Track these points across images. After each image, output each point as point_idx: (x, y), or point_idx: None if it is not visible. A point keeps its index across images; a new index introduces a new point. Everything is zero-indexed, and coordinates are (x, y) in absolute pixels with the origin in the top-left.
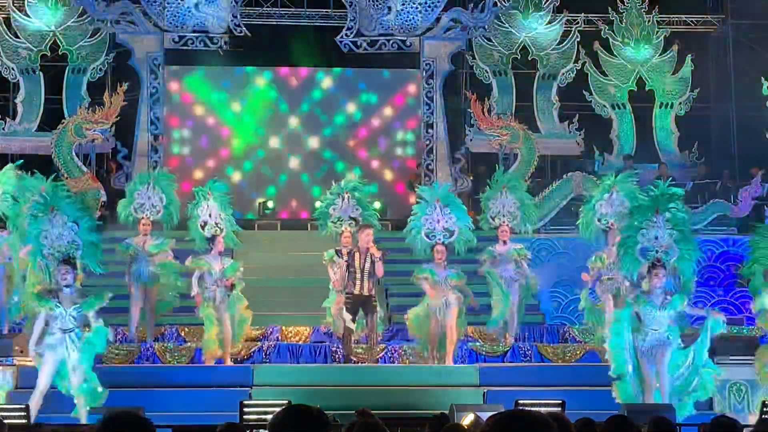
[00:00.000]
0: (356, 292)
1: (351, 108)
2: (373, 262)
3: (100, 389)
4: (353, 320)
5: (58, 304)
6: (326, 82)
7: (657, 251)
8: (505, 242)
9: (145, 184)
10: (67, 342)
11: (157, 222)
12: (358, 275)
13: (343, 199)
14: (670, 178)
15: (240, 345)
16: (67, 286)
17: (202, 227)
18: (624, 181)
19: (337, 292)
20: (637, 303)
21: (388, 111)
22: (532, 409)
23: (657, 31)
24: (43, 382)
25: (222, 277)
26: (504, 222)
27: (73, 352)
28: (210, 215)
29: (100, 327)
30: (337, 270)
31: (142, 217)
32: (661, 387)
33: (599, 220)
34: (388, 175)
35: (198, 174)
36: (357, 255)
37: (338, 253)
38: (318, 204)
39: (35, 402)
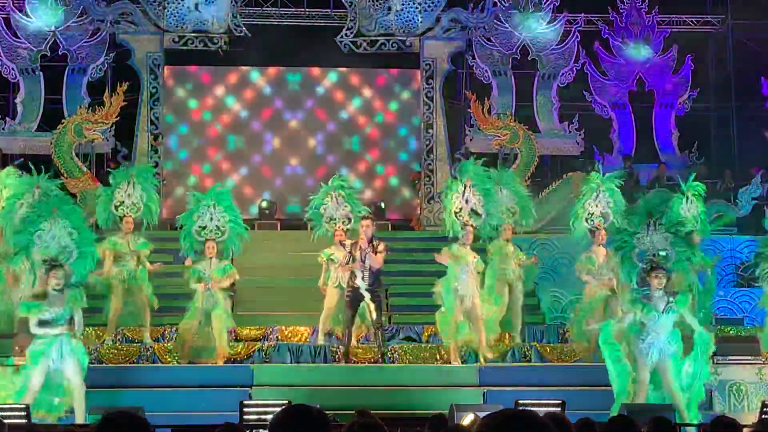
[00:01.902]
0: (357, 284)
1: (351, 108)
2: (376, 254)
3: None
4: (353, 316)
5: (48, 308)
6: (326, 82)
7: (654, 254)
8: (507, 240)
9: (125, 181)
10: (61, 344)
11: (138, 220)
12: (359, 267)
13: (332, 199)
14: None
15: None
16: (56, 289)
17: (198, 233)
18: (609, 181)
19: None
20: (637, 308)
21: (388, 111)
22: (532, 409)
23: (657, 31)
24: (35, 383)
25: (210, 281)
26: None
27: (65, 354)
28: (211, 219)
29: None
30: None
31: (125, 215)
32: (676, 398)
33: (586, 220)
34: (388, 175)
35: (197, 174)
36: (358, 247)
37: (342, 244)
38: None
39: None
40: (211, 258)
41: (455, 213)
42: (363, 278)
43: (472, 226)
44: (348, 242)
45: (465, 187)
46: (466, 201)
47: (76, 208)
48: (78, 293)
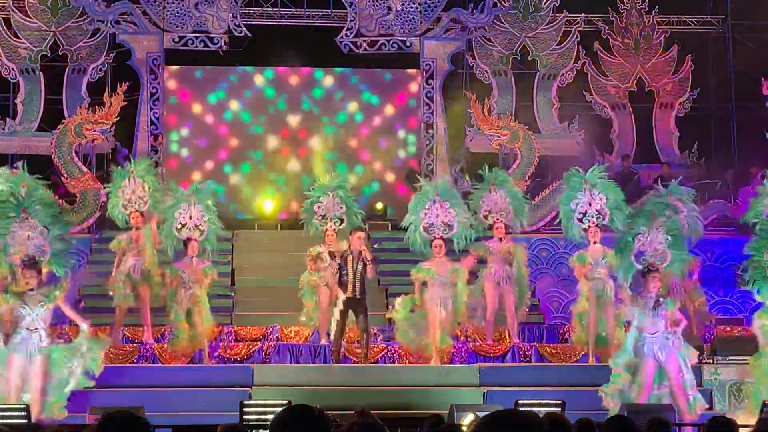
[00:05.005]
0: (348, 295)
1: (351, 108)
2: (365, 265)
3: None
4: (343, 324)
5: (23, 306)
6: (326, 82)
7: (651, 256)
8: (501, 239)
9: (125, 179)
10: (33, 342)
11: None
12: (350, 278)
13: (328, 197)
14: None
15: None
16: (30, 289)
17: (178, 230)
18: (596, 177)
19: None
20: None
21: (388, 111)
22: (532, 409)
23: (657, 32)
24: (16, 381)
25: (196, 281)
26: (497, 219)
27: (35, 352)
28: (190, 218)
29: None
30: (324, 269)
31: (132, 212)
32: (678, 396)
33: (580, 220)
34: (389, 175)
35: (197, 174)
36: (349, 258)
37: (331, 255)
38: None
39: (13, 401)
40: (192, 257)
41: (425, 228)
42: (354, 289)
43: (442, 239)
44: (337, 254)
45: (434, 202)
46: (436, 216)
47: (47, 208)
48: (54, 291)
